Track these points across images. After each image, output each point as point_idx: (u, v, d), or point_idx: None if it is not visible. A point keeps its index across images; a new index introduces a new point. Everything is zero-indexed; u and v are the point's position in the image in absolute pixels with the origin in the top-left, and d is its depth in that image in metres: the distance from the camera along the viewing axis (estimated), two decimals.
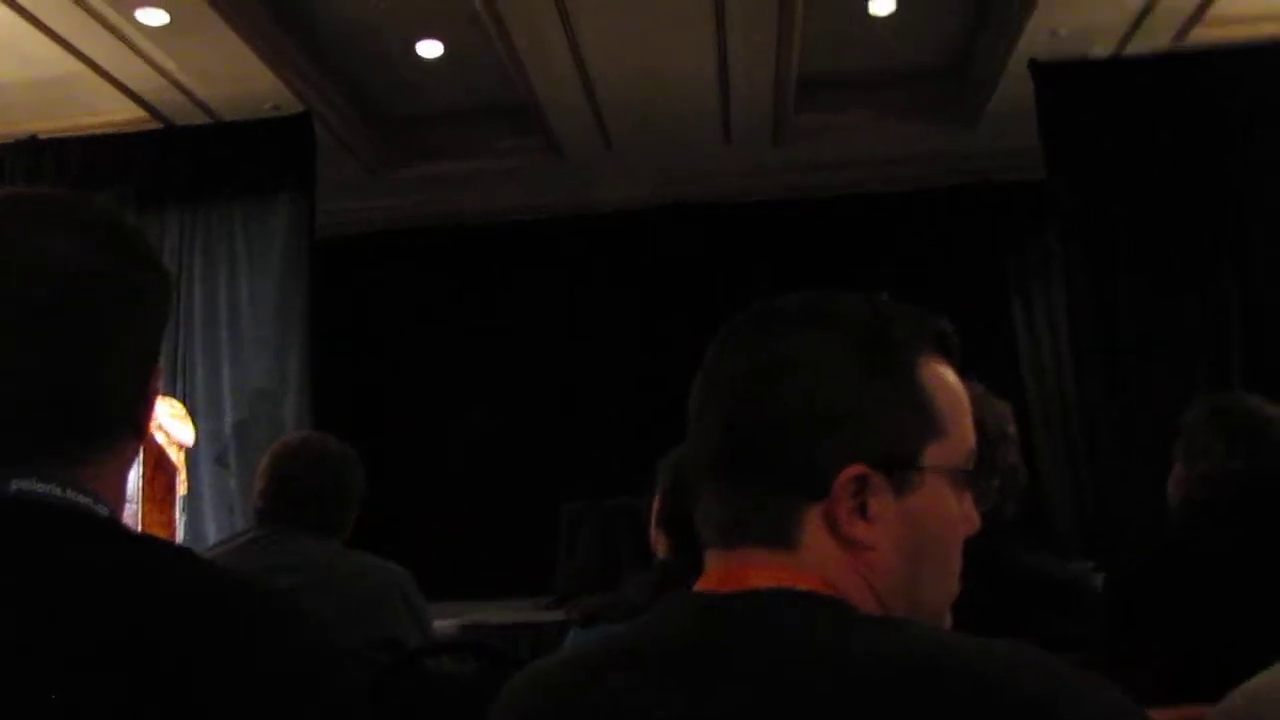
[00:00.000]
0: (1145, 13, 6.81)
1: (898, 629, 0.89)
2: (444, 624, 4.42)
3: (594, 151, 8.07)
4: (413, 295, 8.63)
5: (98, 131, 7.34)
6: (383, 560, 2.62)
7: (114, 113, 7.33)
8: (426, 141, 8.18)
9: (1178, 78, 6.87)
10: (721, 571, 0.97)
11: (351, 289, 8.32)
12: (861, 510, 0.94)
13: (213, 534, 6.77)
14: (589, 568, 6.30)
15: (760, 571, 0.94)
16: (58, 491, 0.97)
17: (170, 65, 6.82)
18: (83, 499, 0.98)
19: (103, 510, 0.99)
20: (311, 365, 7.04)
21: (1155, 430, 6.25)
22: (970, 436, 1.01)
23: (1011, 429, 2.01)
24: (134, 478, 6.03)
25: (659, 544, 2.19)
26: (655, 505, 2.20)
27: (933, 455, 0.97)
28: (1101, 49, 7.07)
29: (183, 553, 1.02)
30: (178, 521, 6.36)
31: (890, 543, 0.95)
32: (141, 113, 7.37)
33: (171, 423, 6.63)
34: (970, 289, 7.90)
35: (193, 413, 6.89)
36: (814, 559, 0.94)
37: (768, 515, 0.95)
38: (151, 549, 0.99)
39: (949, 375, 1.01)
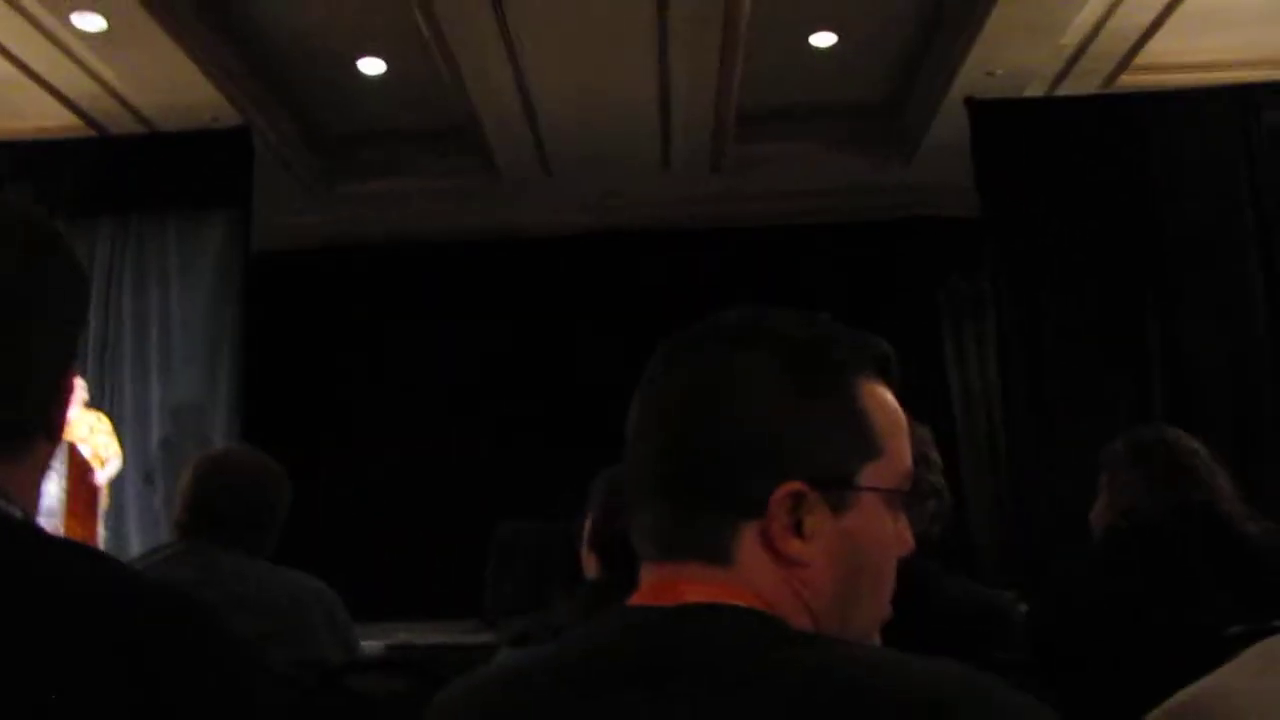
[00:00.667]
0: (1077, 57, 6.99)
1: (829, 648, 0.90)
2: (370, 645, 4.37)
3: (532, 175, 8.07)
4: (348, 312, 8.58)
5: (31, 138, 7.22)
6: (307, 577, 2.58)
7: (47, 119, 7.22)
8: (365, 159, 8.14)
9: (1106, 118, 7.05)
10: (656, 585, 0.97)
11: (286, 305, 8.24)
12: (797, 528, 0.94)
13: (136, 550, 6.66)
14: (520, 590, 6.26)
15: (695, 586, 0.94)
16: None
17: (106, 73, 6.73)
18: None
19: (15, 512, 0.97)
20: (242, 382, 6.96)
21: (1078, 462, 6.38)
22: (907, 458, 1.02)
23: (934, 454, 2.03)
24: (55, 490, 5.92)
25: (589, 564, 2.19)
26: (587, 526, 2.20)
27: (869, 475, 0.98)
28: (1034, 90, 7.23)
29: (101, 557, 1.01)
30: (100, 536, 6.25)
31: (825, 560, 0.96)
32: (76, 120, 7.27)
33: (100, 438, 6.53)
34: (902, 321, 7.99)
35: (120, 427, 6.78)
36: (749, 576, 0.94)
37: (704, 532, 0.95)
38: (68, 551, 0.98)
39: (887, 396, 1.02)
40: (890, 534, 1.00)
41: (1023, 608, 2.33)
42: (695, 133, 7.59)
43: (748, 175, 8.14)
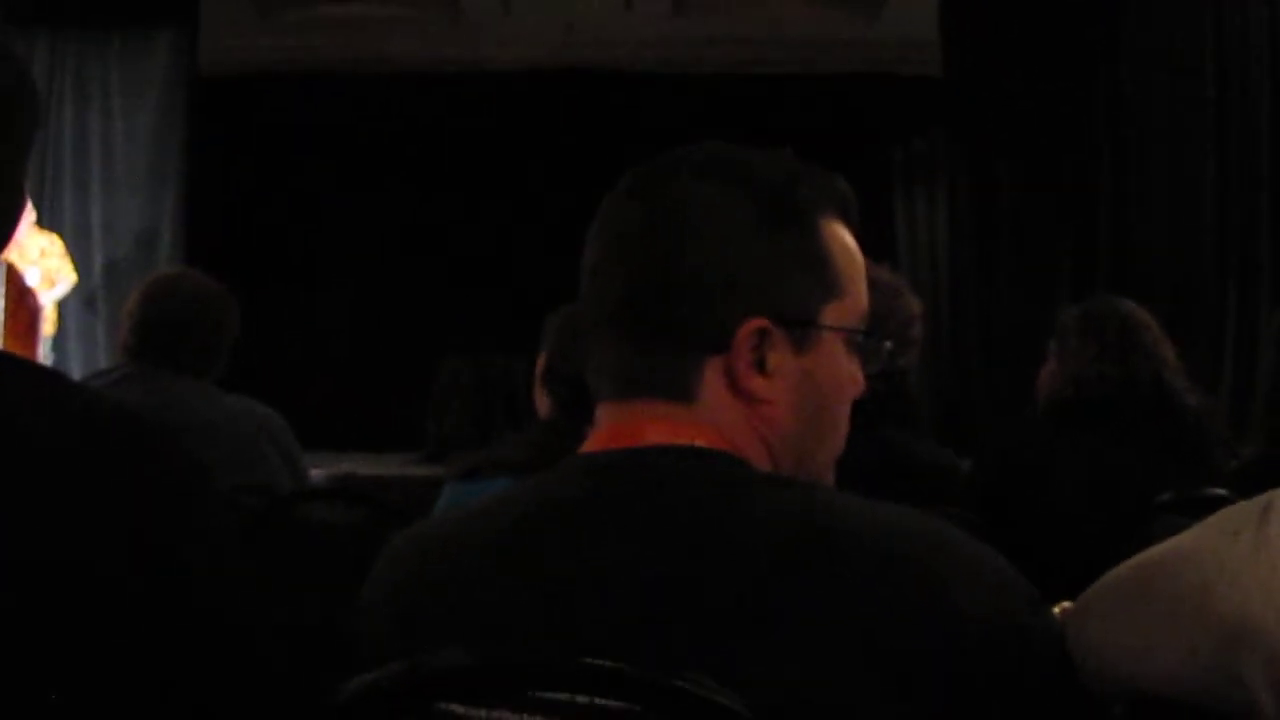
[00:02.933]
0: None
1: (793, 491, 0.91)
2: (314, 474, 4.40)
3: (490, 8, 7.86)
4: (297, 142, 8.39)
5: None
6: (255, 403, 2.57)
7: None
8: None
9: None
10: (615, 426, 0.97)
11: (233, 132, 8.03)
12: (760, 365, 0.95)
13: (78, 374, 6.60)
14: (461, 426, 6.30)
15: (656, 426, 0.94)
16: None
17: None
18: None
19: None
20: (188, 207, 6.83)
21: (1017, 329, 6.50)
22: (864, 300, 1.03)
23: (915, 332, 2.04)
24: None
25: (541, 403, 2.19)
26: (540, 363, 2.20)
27: (831, 315, 0.99)
28: None
29: (53, 374, 1.00)
30: (41, 358, 6.17)
31: (786, 399, 0.96)
32: None
33: (51, 261, 6.38)
34: (856, 178, 7.92)
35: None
36: (711, 413, 0.94)
37: (666, 368, 0.95)
38: (17, 364, 0.96)
39: (848, 238, 1.02)
40: (847, 375, 1.01)
41: (962, 465, 2.38)
42: None
43: (711, 20, 7.98)
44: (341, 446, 6.69)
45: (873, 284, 2.04)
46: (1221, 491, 2.12)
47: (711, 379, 0.95)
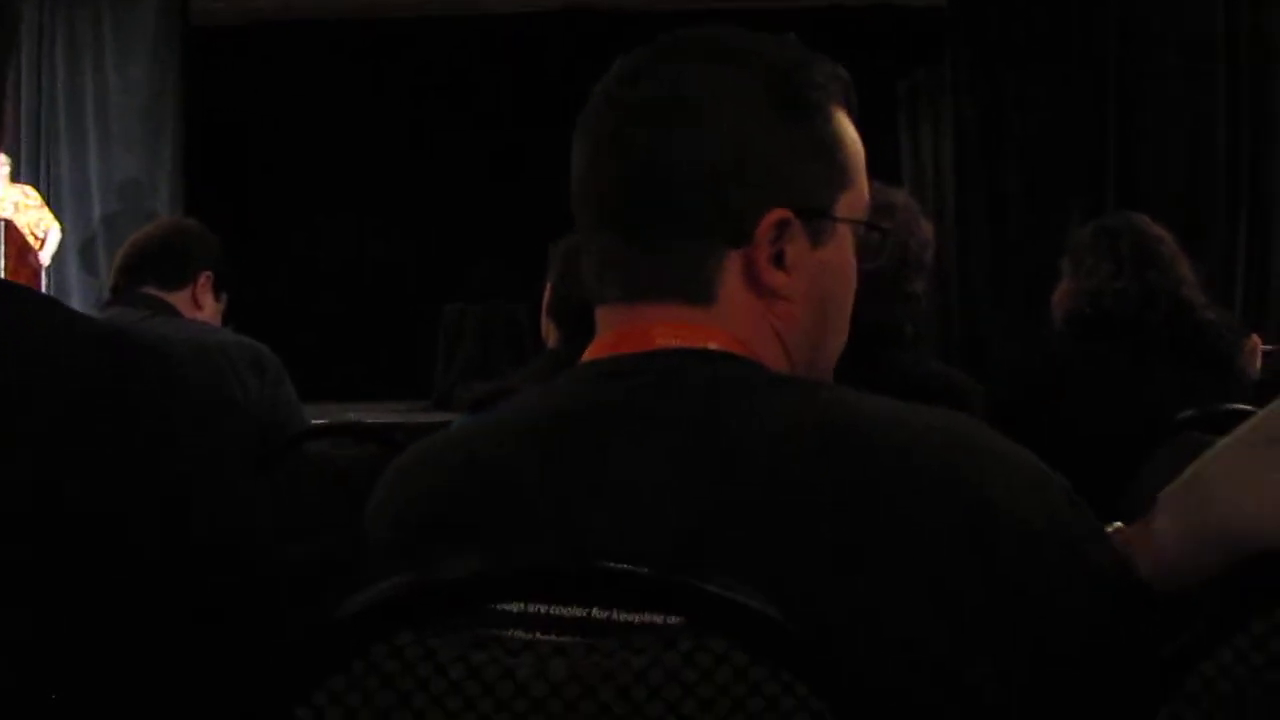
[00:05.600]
0: None
1: (818, 393, 0.87)
2: (319, 422, 4.37)
3: None
4: (294, 90, 8.31)
5: None
6: (244, 336, 2.54)
7: None
8: None
9: None
10: (622, 330, 0.91)
11: (227, 81, 7.96)
12: (778, 259, 0.91)
13: None
14: (468, 372, 6.28)
15: (667, 329, 0.89)
16: None
17: None
18: None
19: None
20: (185, 158, 6.78)
21: (1025, 259, 6.45)
22: (866, 190, 0.99)
23: (929, 257, 2.00)
24: None
25: (549, 333, 2.16)
26: (546, 293, 2.16)
27: (843, 206, 0.95)
28: None
29: (57, 303, 0.96)
30: None
31: (803, 294, 0.92)
32: None
33: (30, 214, 6.32)
34: (861, 109, 7.88)
35: (58, 204, 6.59)
36: (728, 312, 0.90)
37: (682, 264, 0.90)
38: (19, 292, 0.92)
39: (851, 127, 0.99)
40: (853, 268, 0.98)
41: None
42: None
43: None
44: (346, 396, 6.68)
45: (890, 207, 2.01)
46: (1246, 406, 2.08)
47: (730, 274, 0.90)
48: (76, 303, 6.78)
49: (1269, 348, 3.11)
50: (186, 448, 0.88)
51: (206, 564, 0.88)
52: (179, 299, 2.51)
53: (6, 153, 6.28)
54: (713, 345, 0.88)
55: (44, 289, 6.30)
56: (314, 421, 2.57)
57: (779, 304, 0.91)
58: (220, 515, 0.90)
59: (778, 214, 0.90)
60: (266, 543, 0.95)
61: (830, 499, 0.78)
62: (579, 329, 2.03)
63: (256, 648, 0.90)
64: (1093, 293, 2.43)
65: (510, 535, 0.84)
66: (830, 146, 0.94)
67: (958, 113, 7.29)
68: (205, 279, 2.58)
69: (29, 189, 6.44)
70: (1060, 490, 0.83)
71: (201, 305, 2.58)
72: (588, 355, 0.93)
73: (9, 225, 5.94)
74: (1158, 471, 2.02)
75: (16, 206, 6.27)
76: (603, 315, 0.94)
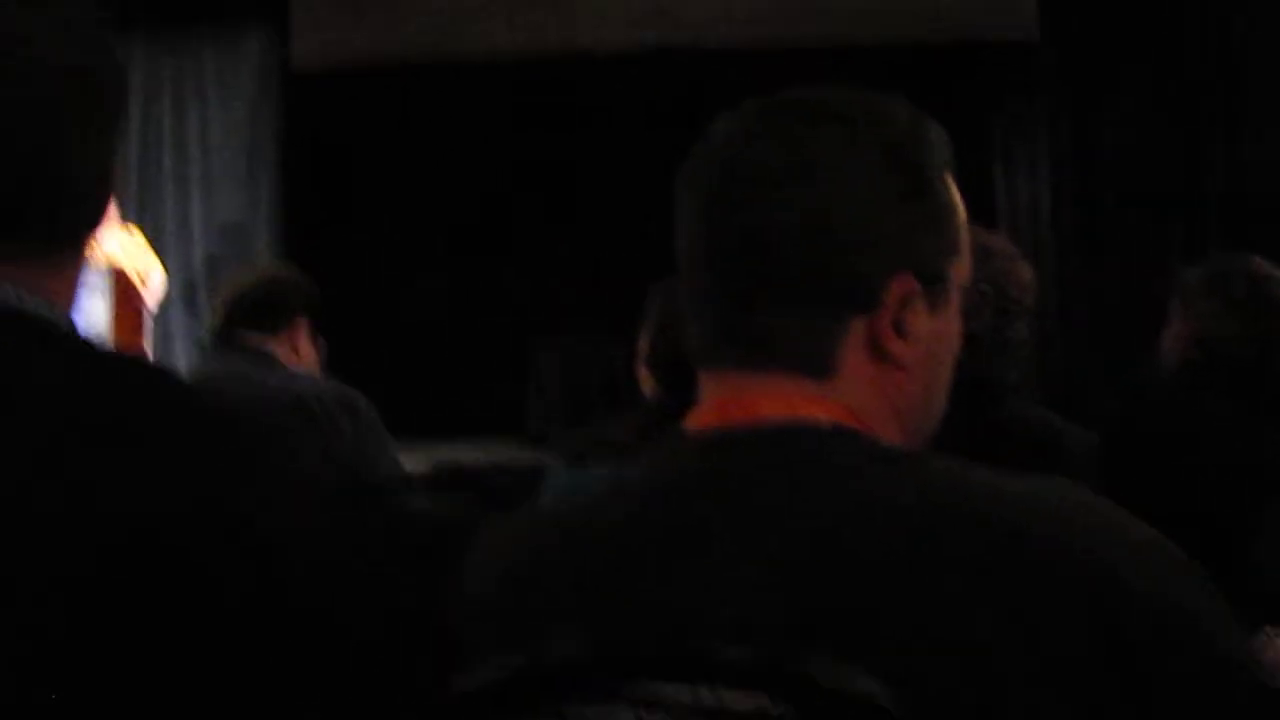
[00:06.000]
0: None
1: (930, 470, 0.83)
2: (415, 461, 4.41)
3: None
4: (390, 132, 8.45)
5: None
6: (338, 382, 2.56)
7: None
8: None
9: None
10: (726, 399, 0.89)
11: (328, 124, 8.12)
12: (897, 327, 0.89)
13: (184, 370, 6.71)
14: (560, 410, 6.30)
15: (777, 400, 0.87)
16: (13, 300, 0.89)
17: None
18: (41, 309, 0.90)
19: (61, 320, 0.92)
20: (284, 201, 6.91)
21: (1127, 296, 6.31)
22: (970, 253, 0.98)
23: (1030, 301, 1.96)
24: (101, 308, 5.92)
25: (646, 383, 2.14)
26: (643, 342, 2.14)
27: (955, 272, 0.94)
28: None
29: (163, 370, 0.97)
30: (148, 354, 6.28)
31: (919, 363, 0.91)
32: None
33: (133, 255, 6.49)
34: (955, 146, 7.81)
35: (161, 247, 6.75)
36: (845, 383, 0.87)
37: (803, 333, 0.87)
38: (128, 364, 0.93)
39: (957, 194, 0.98)
40: (959, 332, 0.97)
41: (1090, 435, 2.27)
42: None
43: None
44: (440, 434, 6.73)
45: (989, 252, 1.96)
46: None
47: (851, 344, 0.88)
48: (179, 344, 6.95)
49: None
50: (271, 499, 0.88)
51: (304, 624, 0.87)
52: (278, 347, 2.55)
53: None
54: (823, 418, 0.86)
55: (148, 330, 6.46)
56: (407, 461, 2.59)
57: (895, 373, 0.89)
58: (309, 563, 0.90)
59: (905, 281, 0.88)
60: (357, 591, 0.94)
61: (948, 583, 0.75)
62: (677, 381, 2.01)
63: (348, 706, 0.89)
64: (1204, 339, 2.35)
65: (617, 613, 0.81)
66: (945, 213, 0.94)
67: (1053, 147, 7.17)
68: (302, 324, 2.62)
69: (132, 229, 6.61)
70: (1194, 575, 0.79)
71: (299, 352, 2.62)
72: (692, 423, 0.91)
73: (116, 268, 6.10)
74: (1277, 536, 1.95)
75: (122, 246, 6.45)
76: (709, 380, 0.92)
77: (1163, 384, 2.47)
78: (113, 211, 6.10)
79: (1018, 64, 7.73)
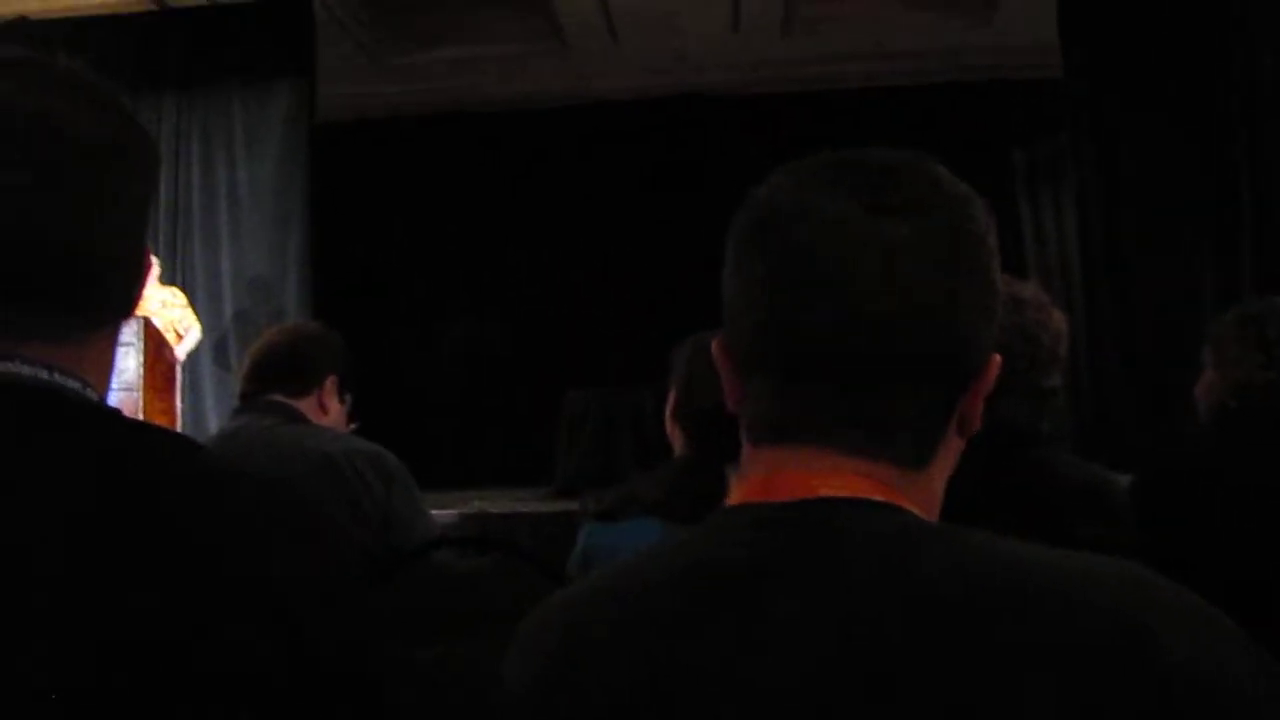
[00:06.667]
0: None
1: (976, 544, 0.82)
2: (444, 514, 4.40)
3: (599, 39, 7.89)
4: (415, 183, 8.52)
5: (89, 13, 7.14)
6: (365, 441, 2.55)
7: None
8: (427, 26, 8.00)
9: None
10: (782, 474, 0.85)
11: (353, 177, 8.20)
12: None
13: (214, 424, 6.75)
14: (590, 460, 6.28)
15: (834, 479, 0.83)
16: (44, 375, 0.89)
17: None
18: (72, 383, 0.91)
19: (92, 395, 0.92)
20: (312, 253, 6.96)
21: (1158, 335, 6.25)
22: None
23: (1063, 349, 1.94)
24: (134, 365, 5.98)
25: (675, 437, 2.12)
26: (671, 397, 2.13)
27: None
28: None
29: (187, 442, 0.97)
30: (178, 411, 6.32)
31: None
32: None
33: (173, 312, 6.56)
34: (978, 188, 7.80)
35: (193, 302, 6.81)
36: (935, 469, 0.86)
37: (909, 419, 0.84)
38: (153, 437, 0.93)
39: None
40: None
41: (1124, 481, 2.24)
42: None
43: (819, 36, 7.90)
44: (471, 484, 6.72)
45: (1021, 302, 1.95)
46: None
47: (950, 426, 0.87)
48: (209, 397, 6.97)
49: None
50: (297, 569, 0.87)
51: (331, 688, 0.87)
52: (306, 404, 2.55)
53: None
54: (878, 496, 0.83)
55: (179, 383, 6.50)
56: (438, 513, 2.57)
57: (959, 443, 0.89)
58: (341, 632, 0.89)
59: (996, 359, 0.88)
60: (389, 657, 0.93)
61: (999, 662, 0.73)
62: (708, 436, 2.00)
63: None
64: (1239, 386, 2.31)
65: (664, 703, 0.80)
66: (998, 287, 0.90)
67: (1080, 185, 7.13)
68: (330, 383, 2.62)
69: (176, 290, 6.70)
70: (1236, 638, 0.77)
71: (327, 409, 2.62)
72: (740, 498, 0.89)
73: (147, 322, 6.15)
74: None
75: (163, 303, 6.53)
76: (768, 456, 0.87)
77: (1196, 433, 2.44)
78: (157, 270, 6.18)
79: (1039, 101, 7.72)
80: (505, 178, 8.47)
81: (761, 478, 0.87)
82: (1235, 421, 2.29)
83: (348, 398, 2.71)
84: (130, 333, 5.79)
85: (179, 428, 6.10)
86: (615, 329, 7.86)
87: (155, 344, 6.20)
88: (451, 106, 8.46)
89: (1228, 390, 2.34)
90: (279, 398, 2.51)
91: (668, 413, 2.13)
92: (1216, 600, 0.80)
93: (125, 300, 0.97)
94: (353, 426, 2.74)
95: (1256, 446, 2.20)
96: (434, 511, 3.02)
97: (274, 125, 7.15)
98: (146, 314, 6.33)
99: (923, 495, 0.86)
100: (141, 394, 5.98)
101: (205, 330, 6.81)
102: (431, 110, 8.48)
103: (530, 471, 6.95)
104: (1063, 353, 1.96)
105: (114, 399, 1.06)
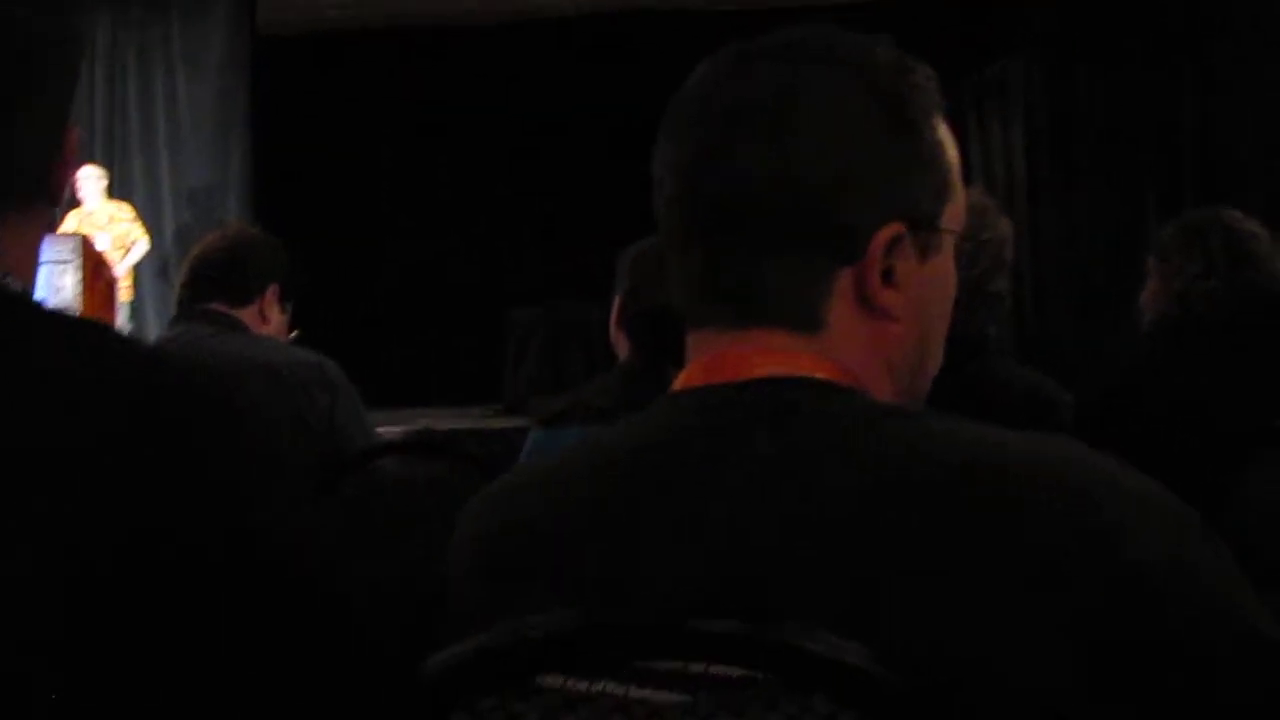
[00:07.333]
0: None
1: (928, 425, 0.81)
2: (390, 430, 4.39)
3: None
4: (357, 98, 8.38)
5: None
6: (310, 350, 2.51)
7: None
8: None
9: None
10: (718, 356, 0.85)
11: (294, 91, 8.04)
12: (886, 276, 0.85)
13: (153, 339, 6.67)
14: (538, 377, 6.28)
15: (768, 357, 0.83)
16: None
17: None
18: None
19: (14, 284, 0.89)
20: (254, 166, 6.86)
21: (1104, 256, 6.32)
22: (964, 199, 0.94)
23: (1008, 254, 1.94)
24: (71, 283, 5.87)
25: (620, 344, 2.12)
26: (616, 303, 2.12)
27: (947, 217, 0.89)
28: None
29: (111, 333, 0.93)
30: (120, 328, 6.23)
31: (910, 313, 0.86)
32: None
33: (121, 226, 6.48)
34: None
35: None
36: (836, 337, 0.83)
37: (788, 285, 0.83)
38: (79, 326, 0.90)
39: (950, 135, 0.93)
40: (954, 280, 0.93)
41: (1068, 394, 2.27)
42: None
43: None
44: (418, 402, 6.69)
45: (967, 208, 1.95)
46: None
47: (839, 295, 0.84)
48: (151, 310, 6.89)
49: None
50: (237, 470, 0.86)
51: (273, 588, 0.85)
52: (246, 314, 2.50)
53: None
54: (818, 375, 0.83)
55: (123, 299, 6.42)
56: (385, 430, 2.55)
57: (887, 325, 0.86)
58: (282, 534, 0.88)
59: (892, 228, 0.84)
60: (334, 560, 0.92)
61: (945, 543, 0.73)
62: (651, 340, 1.99)
63: (332, 677, 0.87)
64: (1181, 294, 2.33)
65: (604, 583, 0.79)
66: (936, 156, 0.89)
67: (1027, 104, 7.16)
68: (271, 292, 2.57)
69: (123, 204, 6.60)
70: (1196, 524, 0.77)
71: (268, 318, 2.57)
72: (680, 384, 0.88)
73: (85, 240, 6.05)
74: (1259, 484, 1.95)
75: (110, 218, 6.45)
76: (695, 340, 0.88)
77: (1142, 341, 2.46)
78: (104, 183, 6.07)
79: (996, 24, 7.70)
80: (450, 95, 8.35)
81: (698, 362, 0.87)
82: (1174, 331, 2.32)
83: (289, 306, 2.67)
84: (68, 250, 5.69)
85: None
86: (559, 244, 7.81)
87: (93, 262, 6.09)
88: (393, 22, 8.30)
89: (1170, 300, 2.36)
90: (219, 306, 2.46)
91: (612, 321, 2.12)
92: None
93: (41, 186, 0.94)
94: (294, 335, 2.69)
95: (1194, 356, 2.23)
96: (380, 429, 3.00)
97: (214, 37, 7.00)
98: (92, 227, 6.23)
99: (849, 366, 0.85)
100: (80, 312, 5.88)
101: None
102: (379, 25, 8.31)
103: (478, 389, 6.93)
104: (1008, 256, 1.97)
105: None
